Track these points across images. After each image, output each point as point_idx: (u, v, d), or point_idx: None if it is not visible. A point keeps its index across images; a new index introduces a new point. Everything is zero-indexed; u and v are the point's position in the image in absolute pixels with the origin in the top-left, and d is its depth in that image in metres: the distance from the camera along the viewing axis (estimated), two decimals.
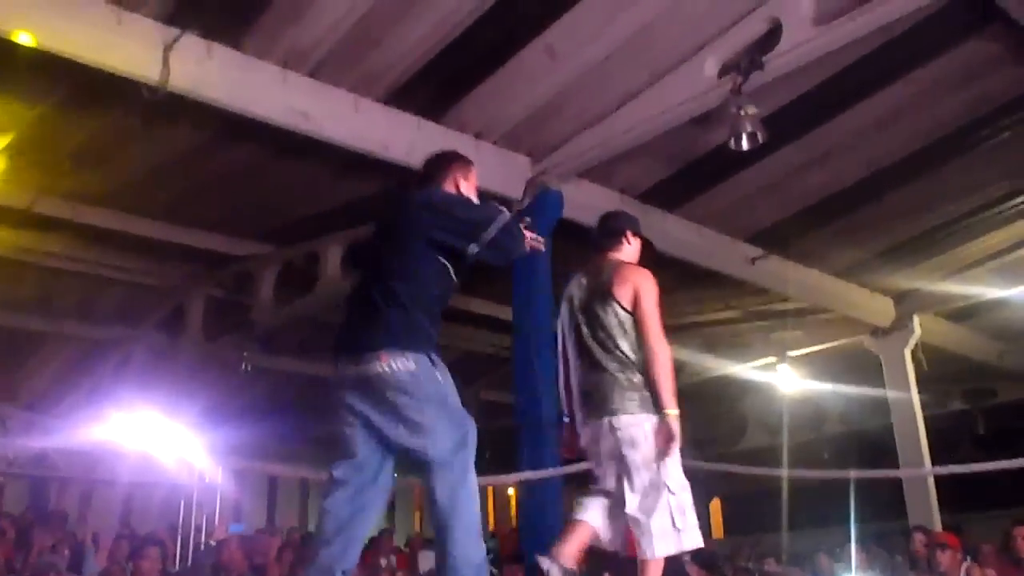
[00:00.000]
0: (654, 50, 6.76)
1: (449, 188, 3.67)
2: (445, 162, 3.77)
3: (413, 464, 3.29)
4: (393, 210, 3.60)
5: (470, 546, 3.19)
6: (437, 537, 3.23)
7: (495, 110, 7.41)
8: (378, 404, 3.29)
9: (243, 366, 11.25)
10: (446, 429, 3.27)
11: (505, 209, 3.54)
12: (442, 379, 3.32)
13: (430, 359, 3.30)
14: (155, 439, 6.72)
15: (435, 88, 7.17)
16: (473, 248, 3.41)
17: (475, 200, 3.67)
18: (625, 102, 7.19)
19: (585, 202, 8.09)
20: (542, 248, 3.76)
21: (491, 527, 17.91)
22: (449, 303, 3.55)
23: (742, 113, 6.44)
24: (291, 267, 9.95)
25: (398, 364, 3.23)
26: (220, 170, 8.17)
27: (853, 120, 7.70)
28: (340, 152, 7.17)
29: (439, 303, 3.46)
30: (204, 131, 7.47)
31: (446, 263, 3.43)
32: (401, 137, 7.20)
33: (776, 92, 6.84)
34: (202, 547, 7.77)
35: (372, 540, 11.92)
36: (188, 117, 7.05)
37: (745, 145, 6.64)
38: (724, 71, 6.58)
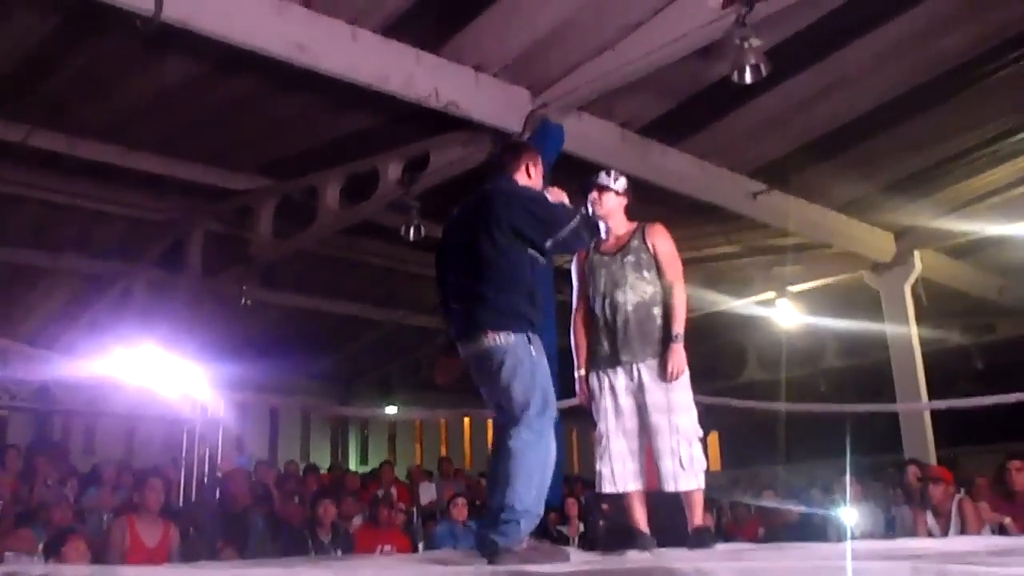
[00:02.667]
0: None
1: (521, 176, 4.15)
2: (518, 151, 4.29)
3: (507, 420, 3.84)
4: (477, 202, 4.05)
5: (527, 495, 3.68)
6: (500, 481, 3.73)
7: (495, 42, 7.30)
8: (485, 372, 3.88)
9: (242, 300, 11.27)
10: (530, 395, 3.78)
11: (579, 210, 4.12)
12: (535, 356, 3.84)
13: (528, 338, 3.84)
14: (156, 373, 6.75)
15: (434, 19, 7.06)
16: (547, 244, 3.95)
17: (539, 183, 4.20)
18: (627, 34, 7.07)
19: (586, 136, 8.04)
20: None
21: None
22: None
23: (745, 45, 6.33)
24: (290, 201, 9.91)
25: (501, 339, 3.81)
26: (217, 103, 8.08)
27: (856, 53, 7.58)
28: (338, 84, 7.08)
29: (535, 285, 3.95)
30: (200, 63, 7.38)
31: (531, 251, 3.93)
32: (400, 69, 7.10)
33: (780, 24, 6.73)
34: (206, 479, 7.86)
35: (373, 472, 12.10)
36: (183, 49, 6.95)
37: (748, 78, 6.54)
38: (728, 2, 6.45)
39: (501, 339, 3.81)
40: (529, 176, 4.18)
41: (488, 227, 3.90)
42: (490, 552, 3.68)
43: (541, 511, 3.80)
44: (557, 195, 4.16)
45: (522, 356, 3.81)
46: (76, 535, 6.01)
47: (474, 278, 3.91)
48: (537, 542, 4.00)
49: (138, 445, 13.50)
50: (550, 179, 4.41)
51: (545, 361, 3.89)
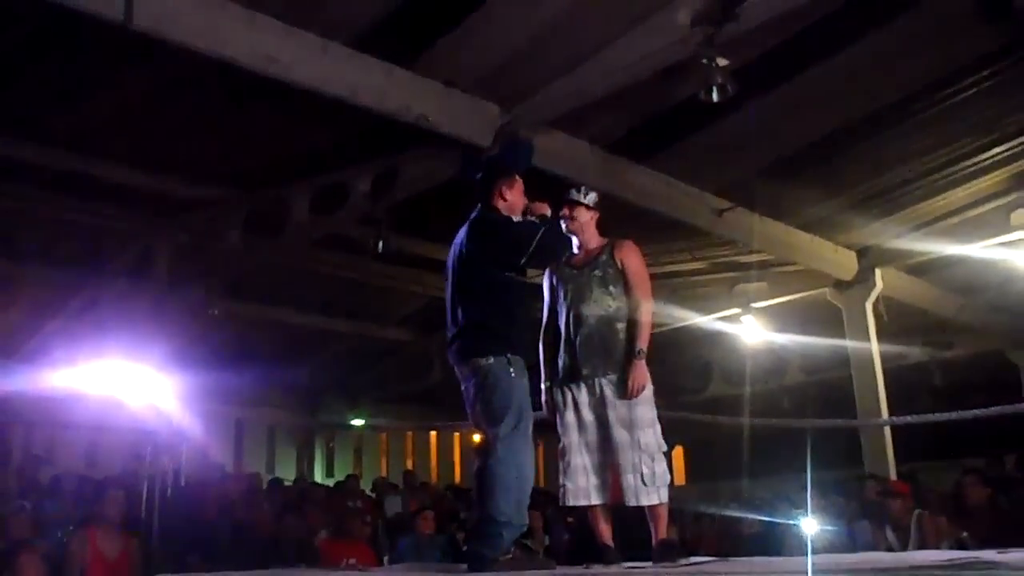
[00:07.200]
0: None
1: (497, 201, 4.40)
2: (489, 179, 4.49)
3: (487, 439, 4.16)
4: (463, 231, 4.42)
5: (507, 507, 3.91)
6: (483, 496, 4.00)
7: (466, 57, 7.33)
8: (470, 395, 4.19)
9: (209, 311, 11.19)
10: (503, 414, 4.03)
11: (544, 224, 4.33)
12: (514, 376, 4.09)
13: (507, 359, 4.10)
14: (121, 383, 6.70)
15: (406, 33, 7.08)
16: (518, 264, 4.25)
17: (518, 200, 4.43)
18: (597, 51, 7.13)
19: (555, 151, 8.08)
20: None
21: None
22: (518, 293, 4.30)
23: (713, 65, 6.43)
24: (258, 213, 9.86)
25: (480, 364, 4.10)
26: (186, 113, 8.04)
27: (822, 75, 7.70)
28: (307, 96, 7.07)
29: (514, 305, 4.23)
30: (168, 73, 7.34)
31: (507, 274, 4.22)
32: (370, 83, 7.11)
33: (747, 44, 6.82)
34: (169, 491, 7.78)
35: (338, 484, 12.03)
36: (152, 58, 6.91)
37: (715, 97, 6.64)
38: (697, 21, 6.54)
39: (480, 364, 4.09)
40: (504, 199, 4.40)
41: (464, 259, 4.28)
42: (476, 563, 3.78)
43: (524, 522, 4.02)
44: (540, 208, 4.42)
45: (499, 377, 4.06)
46: (31, 548, 5.94)
47: (459, 306, 4.26)
48: (520, 552, 4.19)
49: (100, 456, 13.32)
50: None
51: (524, 380, 4.11)
